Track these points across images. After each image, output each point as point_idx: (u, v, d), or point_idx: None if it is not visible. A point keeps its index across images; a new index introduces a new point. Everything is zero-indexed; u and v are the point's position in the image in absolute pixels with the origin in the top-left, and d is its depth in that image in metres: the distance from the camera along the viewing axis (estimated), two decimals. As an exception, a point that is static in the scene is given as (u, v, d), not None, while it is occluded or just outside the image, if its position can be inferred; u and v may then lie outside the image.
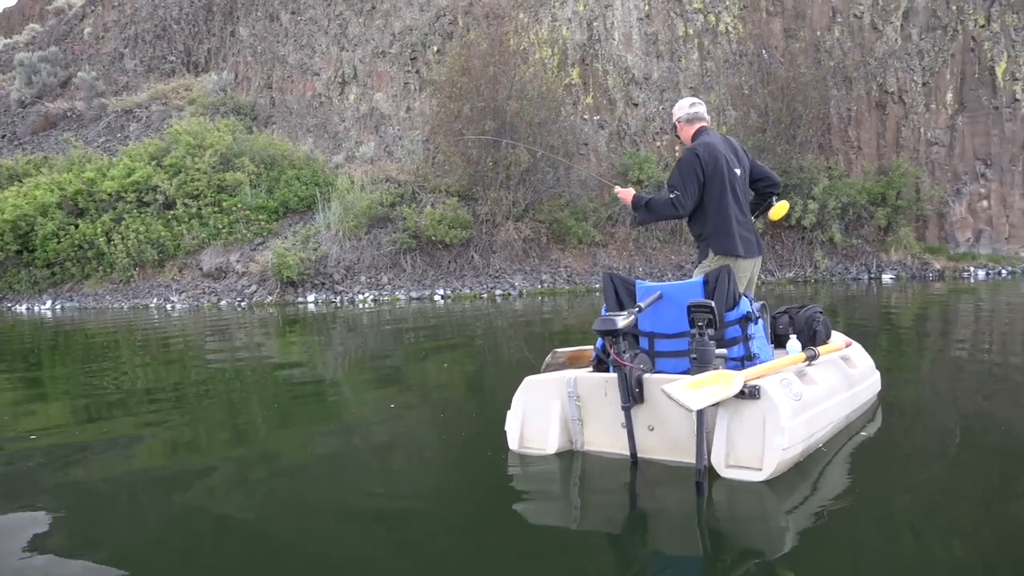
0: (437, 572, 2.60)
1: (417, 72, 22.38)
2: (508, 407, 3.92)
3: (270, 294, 16.16)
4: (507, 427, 3.88)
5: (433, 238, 17.08)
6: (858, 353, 4.49)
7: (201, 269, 17.29)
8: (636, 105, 20.62)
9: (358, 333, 10.97)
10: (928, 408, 4.79)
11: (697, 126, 4.32)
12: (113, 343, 10.89)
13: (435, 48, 22.06)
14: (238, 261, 17.11)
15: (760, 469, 3.13)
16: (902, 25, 20.29)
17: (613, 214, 18.90)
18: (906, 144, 20.07)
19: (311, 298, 16.25)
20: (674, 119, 4.40)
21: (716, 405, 3.23)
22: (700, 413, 3.16)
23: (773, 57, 20.44)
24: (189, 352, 9.46)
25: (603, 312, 3.82)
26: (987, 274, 18.76)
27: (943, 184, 19.87)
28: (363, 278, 16.89)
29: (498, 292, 16.80)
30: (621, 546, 2.87)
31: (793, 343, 4.00)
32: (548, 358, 4.31)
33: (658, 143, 20.46)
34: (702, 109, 4.39)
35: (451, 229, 17.18)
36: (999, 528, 2.74)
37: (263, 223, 17.80)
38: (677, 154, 20.75)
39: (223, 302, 16.18)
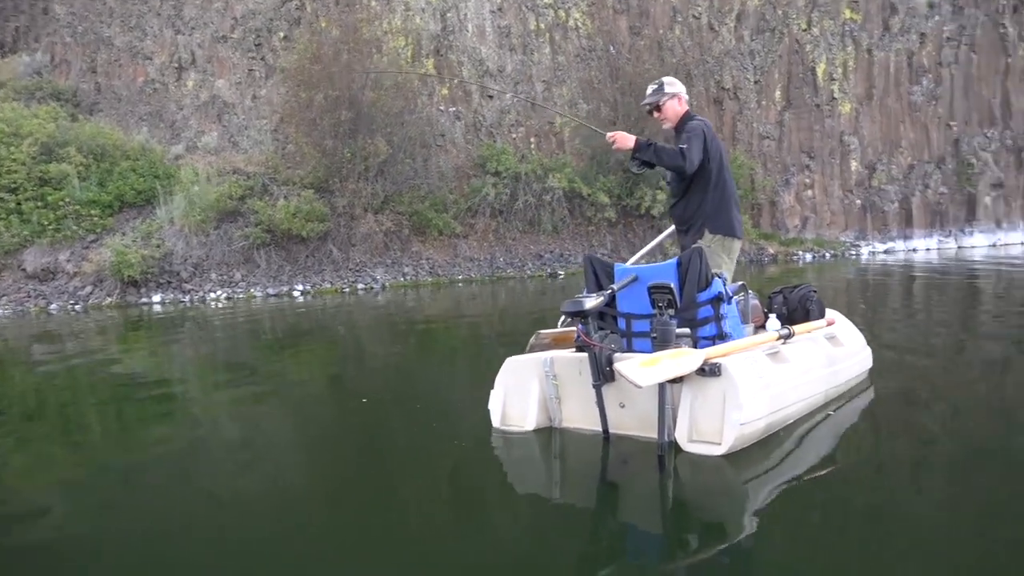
0: (421, 537, 2.76)
1: (263, 59, 21.32)
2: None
3: (109, 295, 14.79)
4: (490, 406, 3.99)
5: (289, 232, 16.34)
6: (846, 330, 4.57)
7: (24, 270, 15.55)
8: (491, 97, 20.76)
9: (225, 334, 10.30)
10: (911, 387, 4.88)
11: (688, 108, 4.33)
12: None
13: (281, 34, 21.11)
14: (68, 260, 15.53)
15: (719, 443, 3.23)
16: (735, 27, 21.73)
17: (473, 205, 18.94)
18: (741, 138, 21.55)
19: (156, 298, 15.06)
20: (676, 91, 4.25)
21: (680, 382, 3.31)
22: (662, 390, 3.26)
23: (620, 53, 21.25)
24: (10, 362, 8.49)
25: (584, 293, 3.83)
26: (813, 257, 20.54)
27: (774, 175, 21.52)
28: (214, 275, 15.87)
29: (360, 286, 16.36)
30: (591, 517, 2.99)
31: (772, 322, 4.11)
32: (532, 339, 4.35)
33: (514, 135, 20.71)
34: None
35: (307, 222, 16.51)
36: (955, 502, 2.90)
37: (96, 219, 16.25)
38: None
39: (53, 306, 14.64)
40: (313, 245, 16.94)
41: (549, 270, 18.30)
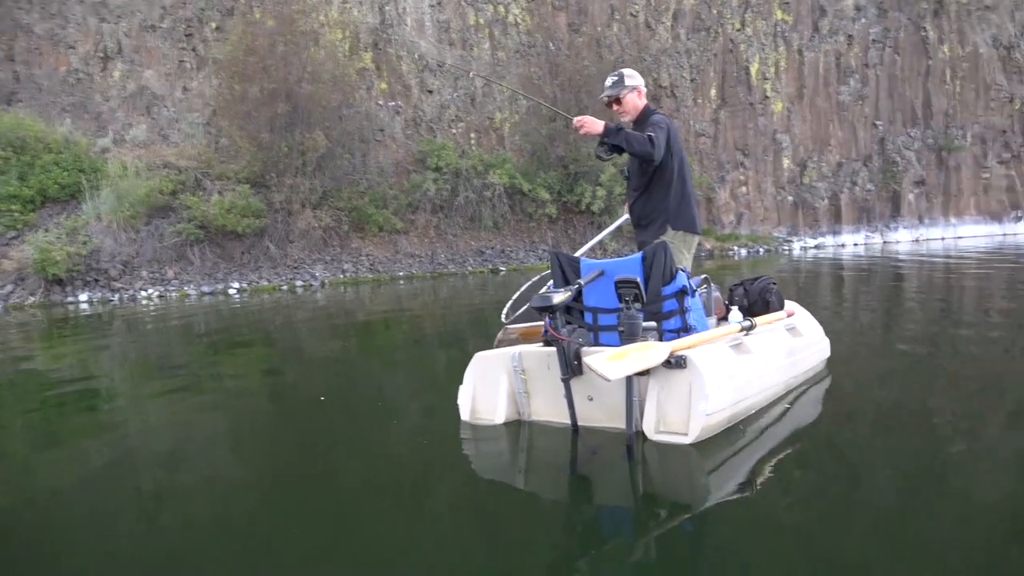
0: (394, 532, 2.75)
1: (193, 50, 20.66)
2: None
3: (31, 295, 14.12)
4: (459, 400, 3.98)
5: (224, 228, 15.90)
6: (804, 321, 4.66)
7: (-63, 269, 14.73)
8: (431, 92, 20.61)
9: (158, 333, 9.95)
10: (865, 375, 5.01)
11: (647, 102, 4.27)
12: None
13: (213, 24, 20.50)
14: (-14, 258, 14.80)
15: (686, 434, 3.29)
16: (672, 25, 22.06)
17: (413, 201, 18.78)
18: (678, 135, 21.89)
19: (83, 297, 14.45)
20: (636, 84, 4.20)
21: (647, 375, 3.36)
22: (629, 383, 3.32)
23: (559, 50, 21.35)
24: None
25: (550, 288, 3.85)
26: (748, 252, 21.04)
27: (710, 172, 21.95)
28: (144, 273, 15.33)
29: (299, 283, 16.04)
30: (561, 506, 3.04)
31: (734, 314, 4.17)
32: (500, 334, 4.34)
33: (454, 131, 20.61)
34: None
35: (243, 218, 16.09)
36: (913, 486, 2.97)
37: (16, 214, 15.49)
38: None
39: (-31, 306, 13.93)
40: (249, 241, 16.53)
41: (490, 266, 18.28)
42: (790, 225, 22.55)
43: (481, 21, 21.23)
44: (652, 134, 3.95)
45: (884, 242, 22.74)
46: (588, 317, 3.88)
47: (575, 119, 4.02)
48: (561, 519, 2.89)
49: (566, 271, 3.96)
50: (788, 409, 3.93)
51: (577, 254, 4.50)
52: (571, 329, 3.71)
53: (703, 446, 3.30)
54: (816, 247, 22.23)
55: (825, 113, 22.95)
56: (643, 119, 4.16)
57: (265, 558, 2.54)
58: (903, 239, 23.04)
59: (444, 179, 18.86)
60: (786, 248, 21.82)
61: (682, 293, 3.71)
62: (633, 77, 4.25)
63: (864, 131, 23.28)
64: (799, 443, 3.52)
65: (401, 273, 17.44)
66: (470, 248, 18.93)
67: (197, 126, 19.36)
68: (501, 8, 21.39)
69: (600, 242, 5.37)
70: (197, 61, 20.48)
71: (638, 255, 3.76)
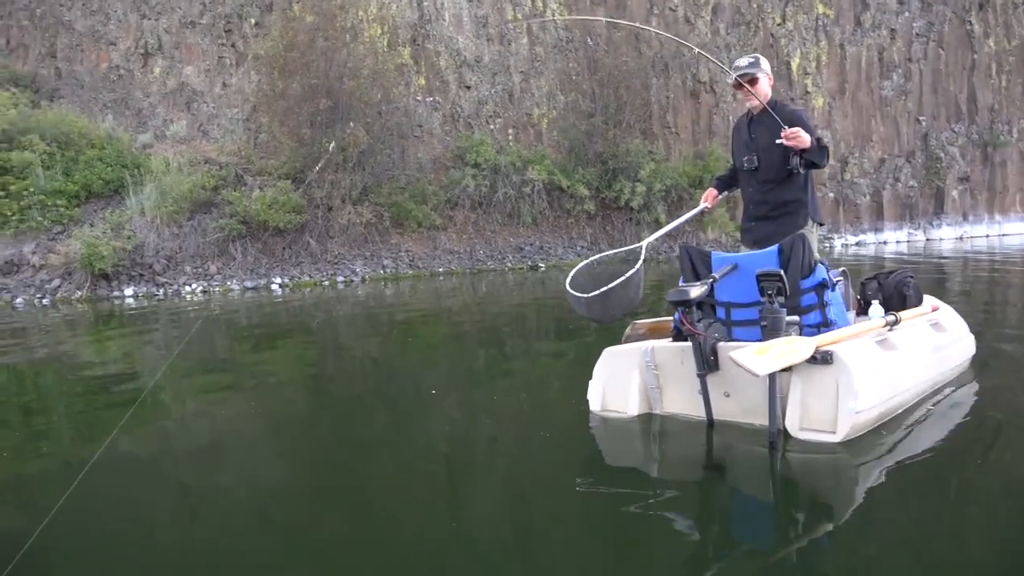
0: (531, 518, 2.82)
1: (233, 46, 20.75)
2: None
3: (79, 289, 14.22)
4: (589, 396, 3.97)
5: (265, 224, 15.93)
6: (949, 316, 4.51)
7: (-14, 263, 14.90)
8: (469, 88, 20.53)
9: (209, 328, 9.94)
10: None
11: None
12: None
13: (253, 20, 20.57)
14: (34, 252, 14.90)
15: (834, 432, 3.18)
16: (711, 20, 21.79)
17: (452, 197, 18.71)
18: (717, 131, 21.65)
19: (129, 292, 14.54)
20: (768, 71, 4.15)
21: (789, 371, 3.25)
22: (772, 379, 3.20)
23: (598, 45, 21.17)
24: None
25: (680, 283, 3.79)
26: (789, 250, 20.73)
27: (749, 168, 21.65)
28: (188, 268, 15.40)
29: (340, 279, 16.04)
30: (695, 497, 3.00)
31: (875, 309, 4.08)
32: (628, 330, 4.33)
33: (492, 126, 20.51)
34: None
35: (284, 213, 16.12)
36: None
37: (63, 209, 15.63)
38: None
39: (18, 300, 14.01)
40: (290, 237, 16.56)
41: (530, 262, 18.18)
42: (831, 222, 22.20)
43: (519, 16, 21.09)
44: (827, 145, 3.97)
45: (927, 240, 22.33)
46: (721, 312, 3.80)
47: (787, 130, 3.87)
48: (692, 514, 2.83)
49: (696, 265, 3.91)
50: (935, 409, 3.76)
51: (646, 241, 4.42)
52: (707, 324, 3.60)
53: (848, 446, 3.18)
54: (857, 244, 21.89)
55: (867, 108, 22.56)
56: (776, 109, 4.05)
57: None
58: (947, 236, 22.60)
59: (483, 175, 18.77)
60: (826, 245, 21.48)
61: (822, 287, 3.61)
62: (766, 63, 4.20)
63: (907, 127, 22.86)
64: (953, 446, 3.34)
65: (440, 269, 17.38)
66: (509, 244, 18.83)
67: (237, 122, 19.45)
68: (539, 3, 21.24)
69: (666, 233, 5.24)
70: (236, 57, 20.57)
71: (774, 248, 3.66)
